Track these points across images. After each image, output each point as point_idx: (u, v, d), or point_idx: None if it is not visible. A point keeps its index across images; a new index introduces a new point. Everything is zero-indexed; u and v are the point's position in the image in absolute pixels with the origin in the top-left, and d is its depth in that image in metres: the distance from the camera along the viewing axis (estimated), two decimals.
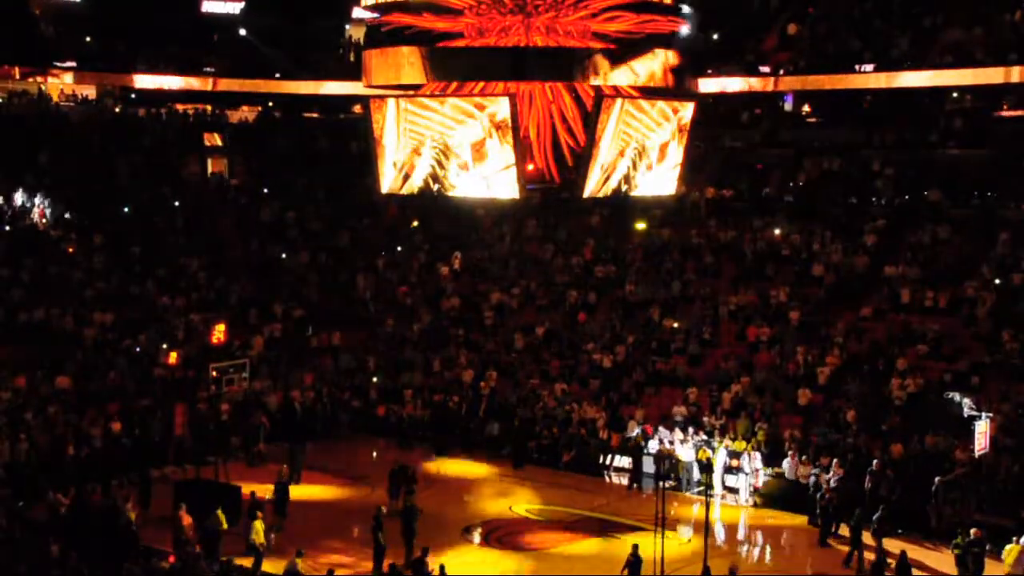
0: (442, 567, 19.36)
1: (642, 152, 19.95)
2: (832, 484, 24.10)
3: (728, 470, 26.56)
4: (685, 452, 27.05)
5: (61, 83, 43.42)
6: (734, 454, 26.57)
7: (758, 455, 26.26)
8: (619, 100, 19.53)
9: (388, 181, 20.83)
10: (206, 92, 44.32)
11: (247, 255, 39.15)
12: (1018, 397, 26.40)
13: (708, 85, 36.23)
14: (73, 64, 41.53)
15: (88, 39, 43.76)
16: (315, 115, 48.04)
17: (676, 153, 20.97)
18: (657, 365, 31.39)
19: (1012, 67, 32.47)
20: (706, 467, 26.59)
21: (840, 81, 36.15)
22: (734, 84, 36.96)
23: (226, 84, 44.10)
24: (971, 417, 25.20)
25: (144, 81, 42.27)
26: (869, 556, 21.98)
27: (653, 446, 27.38)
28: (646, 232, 36.83)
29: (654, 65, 19.93)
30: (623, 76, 19.74)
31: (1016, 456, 24.34)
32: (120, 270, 35.77)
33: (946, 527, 22.71)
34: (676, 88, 20.75)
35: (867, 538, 22.09)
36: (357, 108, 43.56)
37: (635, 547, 19.92)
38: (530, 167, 20.10)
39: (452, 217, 39.84)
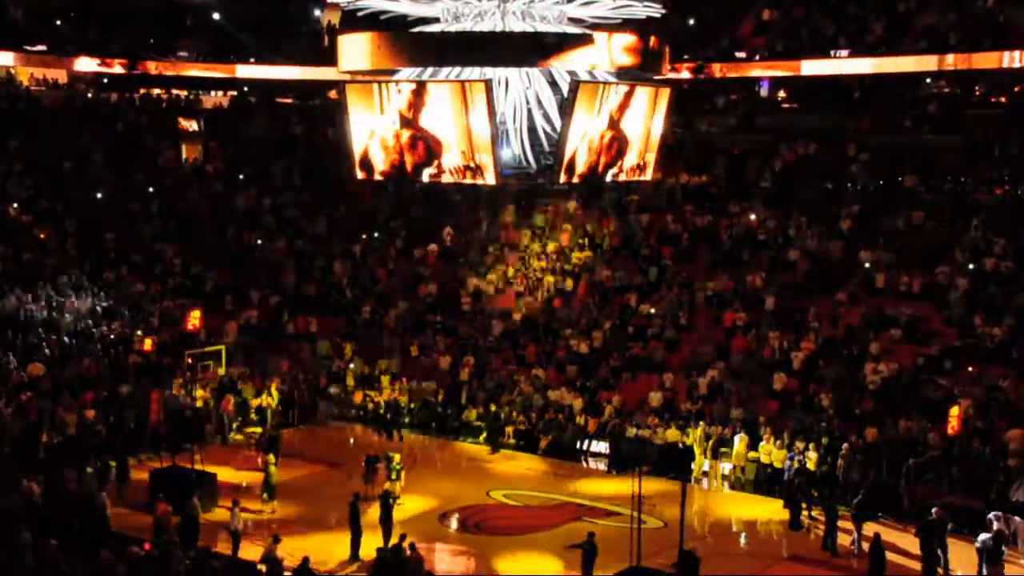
0: (412, 545, 19.42)
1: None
2: (805, 467, 24.31)
3: (704, 454, 26.71)
4: (660, 437, 27.19)
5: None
6: (711, 437, 26.69)
7: (746, 438, 26.36)
8: (595, 85, 19.53)
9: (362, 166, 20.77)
10: (180, 77, 43.99)
11: (222, 241, 38.98)
12: (990, 380, 26.66)
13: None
14: (43, 48, 41.07)
15: (59, 22, 43.27)
16: (290, 100, 47.79)
17: (654, 133, 20.96)
18: (634, 350, 31.48)
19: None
20: (683, 452, 26.73)
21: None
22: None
23: (199, 68, 43.84)
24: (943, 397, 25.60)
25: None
26: (844, 539, 22.22)
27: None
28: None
29: (630, 50, 19.92)
30: (599, 61, 19.73)
31: (987, 438, 24.59)
32: (94, 257, 35.51)
33: (918, 509, 22.91)
34: (652, 73, 20.77)
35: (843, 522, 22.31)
36: (332, 93, 43.34)
37: (591, 535, 19.95)
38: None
39: (429, 203, 39.82)
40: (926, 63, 34.04)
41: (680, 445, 26.90)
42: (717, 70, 37.73)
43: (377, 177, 20.30)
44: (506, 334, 33.61)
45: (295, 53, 44.20)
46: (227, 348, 30.29)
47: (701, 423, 27.19)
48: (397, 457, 24.81)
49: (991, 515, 21.34)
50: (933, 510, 21.24)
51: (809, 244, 33.41)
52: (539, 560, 21.79)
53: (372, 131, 19.69)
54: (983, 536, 20.38)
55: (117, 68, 42.04)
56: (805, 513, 23.69)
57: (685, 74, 37.02)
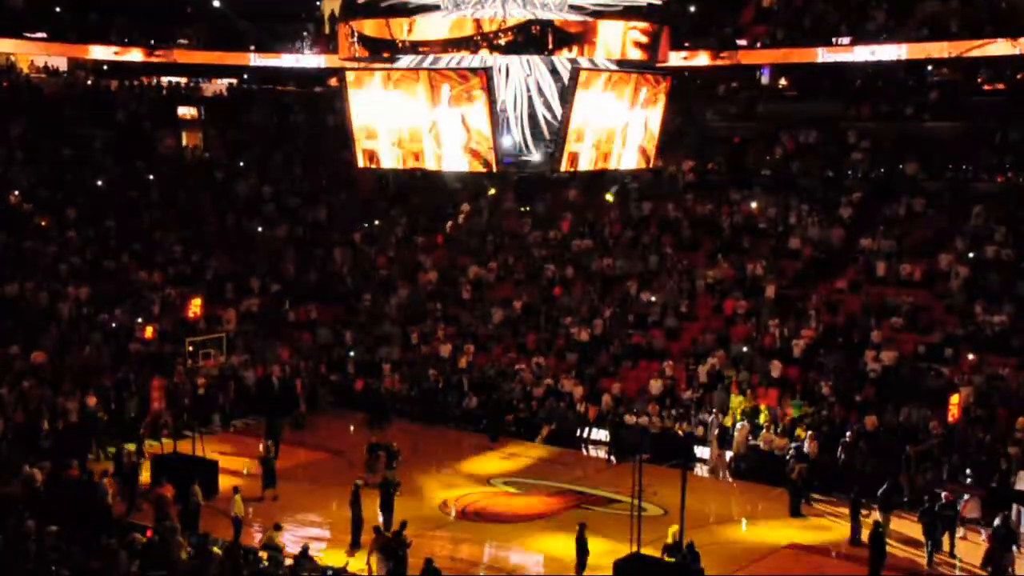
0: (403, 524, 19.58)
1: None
2: (802, 451, 24.39)
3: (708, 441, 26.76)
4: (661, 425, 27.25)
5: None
6: (717, 425, 26.73)
7: (746, 424, 26.41)
8: (596, 74, 19.45)
9: (364, 155, 20.68)
10: (179, 64, 43.91)
11: (223, 229, 38.99)
12: (990, 369, 26.68)
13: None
14: (44, 35, 40.97)
15: (58, 9, 43.17)
16: (290, 88, 47.72)
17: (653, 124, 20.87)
18: (634, 338, 31.50)
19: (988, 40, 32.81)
20: (683, 440, 26.78)
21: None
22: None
23: (200, 57, 43.77)
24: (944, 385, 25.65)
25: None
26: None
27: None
28: (616, 204, 36.76)
29: (632, 37, 19.84)
30: (599, 49, 19.67)
31: (988, 426, 24.63)
32: (95, 244, 35.53)
33: (919, 497, 22.97)
34: (654, 61, 20.68)
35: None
36: (333, 81, 43.28)
37: (582, 526, 19.96)
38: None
39: (429, 191, 39.88)
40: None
41: (673, 430, 26.94)
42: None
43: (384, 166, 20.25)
44: (506, 322, 33.63)
45: (295, 40, 44.14)
46: (228, 336, 30.32)
47: (713, 413, 27.13)
48: (394, 444, 24.88)
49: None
50: (943, 494, 21.35)
51: (810, 232, 33.40)
52: (538, 547, 21.89)
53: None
54: (995, 522, 20.52)
55: (133, 55, 41.99)
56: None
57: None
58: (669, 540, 19.29)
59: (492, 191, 38.74)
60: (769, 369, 28.74)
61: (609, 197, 35.83)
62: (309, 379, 31.56)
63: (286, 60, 43.39)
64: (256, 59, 43.53)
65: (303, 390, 30.41)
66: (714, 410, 27.32)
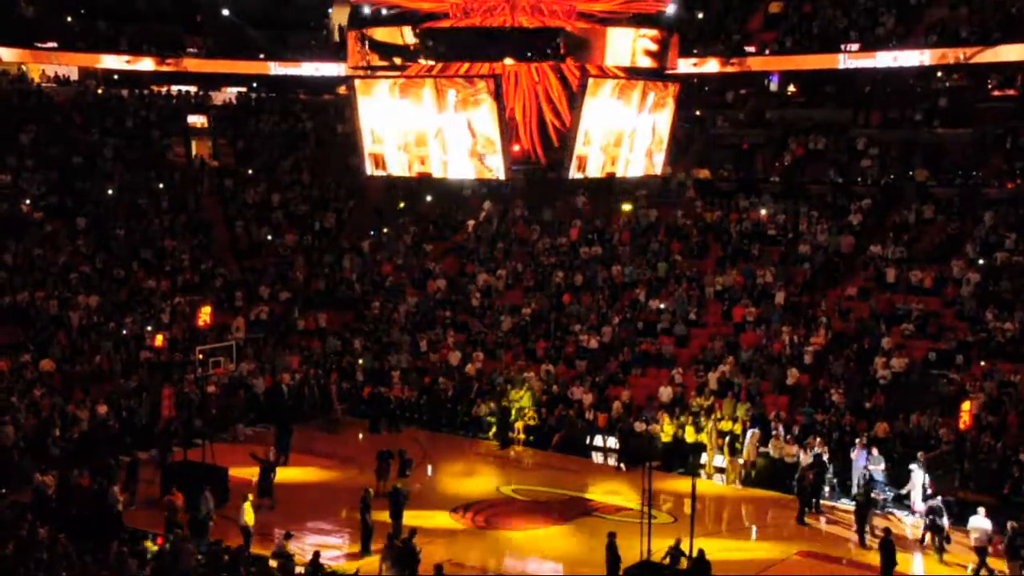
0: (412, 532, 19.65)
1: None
2: (810, 462, 24.32)
3: (719, 450, 26.68)
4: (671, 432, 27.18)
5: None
6: (724, 433, 26.64)
7: (756, 432, 26.34)
8: (604, 80, 19.47)
9: (372, 162, 20.72)
10: (189, 73, 44.11)
11: (232, 237, 39.07)
12: (1001, 375, 26.59)
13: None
14: (55, 45, 41.17)
15: (69, 18, 43.41)
16: (300, 96, 47.90)
17: (663, 129, 20.89)
18: (643, 346, 31.46)
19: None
20: (692, 447, 26.73)
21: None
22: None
23: (213, 65, 44.02)
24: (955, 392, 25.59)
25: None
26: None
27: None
28: (632, 212, 36.86)
29: (640, 45, 19.87)
30: (609, 56, 19.71)
31: (998, 434, 24.53)
32: (104, 252, 35.63)
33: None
34: (663, 69, 20.70)
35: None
36: (341, 89, 43.42)
37: (611, 535, 19.86)
38: (516, 148, 20.02)
39: (438, 198, 39.92)
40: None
41: (683, 438, 26.88)
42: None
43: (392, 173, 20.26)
44: (516, 329, 33.61)
45: (304, 49, 44.34)
46: (237, 344, 30.37)
47: (712, 417, 27.13)
48: (407, 452, 24.87)
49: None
50: (936, 498, 21.49)
51: (819, 238, 33.34)
52: (552, 555, 21.84)
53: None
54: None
55: (144, 64, 42.37)
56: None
57: None
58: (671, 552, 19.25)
59: (488, 204, 38.82)
60: (778, 376, 28.66)
61: (627, 207, 35.86)
62: (319, 387, 31.58)
63: (306, 68, 43.68)
64: (276, 67, 43.77)
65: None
66: (711, 417, 27.22)
